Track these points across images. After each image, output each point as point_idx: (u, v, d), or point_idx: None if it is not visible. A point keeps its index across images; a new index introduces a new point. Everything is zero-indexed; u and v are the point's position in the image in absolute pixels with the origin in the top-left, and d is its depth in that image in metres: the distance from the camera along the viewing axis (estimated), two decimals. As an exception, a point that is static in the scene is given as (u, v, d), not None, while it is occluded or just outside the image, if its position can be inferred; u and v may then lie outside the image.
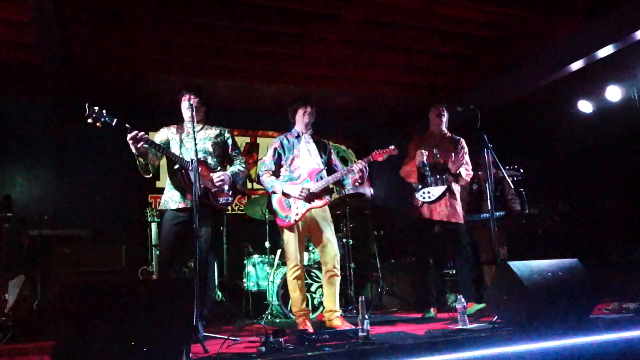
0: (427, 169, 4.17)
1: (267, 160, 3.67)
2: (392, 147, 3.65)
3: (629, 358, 2.65)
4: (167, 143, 3.50)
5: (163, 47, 4.99)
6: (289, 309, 4.38)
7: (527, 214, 4.80)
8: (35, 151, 5.81)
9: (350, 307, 4.83)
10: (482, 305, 3.88)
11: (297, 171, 3.59)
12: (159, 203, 3.63)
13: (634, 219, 4.96)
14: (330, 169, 3.70)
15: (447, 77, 6.06)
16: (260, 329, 3.68)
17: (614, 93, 5.23)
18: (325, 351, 2.30)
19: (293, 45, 5.09)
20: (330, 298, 3.45)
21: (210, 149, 3.51)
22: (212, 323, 4.20)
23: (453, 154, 4.18)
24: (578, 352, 2.56)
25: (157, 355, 2.09)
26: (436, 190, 4.16)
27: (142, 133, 3.07)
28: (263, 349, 2.41)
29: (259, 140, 6.91)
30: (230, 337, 2.93)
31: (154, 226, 4.89)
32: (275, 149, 3.66)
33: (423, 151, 4.13)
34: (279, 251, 4.89)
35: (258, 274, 5.04)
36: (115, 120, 3.01)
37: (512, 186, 4.01)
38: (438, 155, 4.19)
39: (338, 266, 3.48)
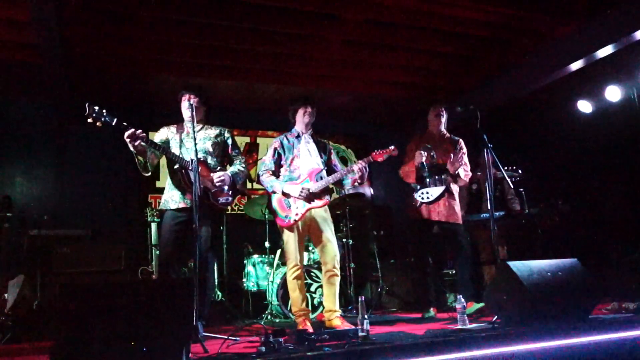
0: (426, 169, 4.18)
1: (267, 160, 3.67)
2: (392, 147, 3.65)
3: (628, 358, 2.65)
4: (167, 142, 3.50)
5: (163, 47, 4.99)
6: (288, 308, 4.39)
7: (527, 214, 4.80)
8: (35, 151, 5.81)
9: (350, 307, 4.83)
10: (481, 305, 3.88)
11: (297, 171, 3.59)
12: (159, 203, 3.63)
13: (634, 219, 4.96)
14: (330, 169, 3.70)
15: (447, 77, 6.07)
16: (260, 328, 3.68)
17: (613, 93, 5.23)
18: (325, 351, 2.30)
19: (293, 45, 5.09)
20: (330, 298, 3.45)
21: (210, 149, 3.51)
22: (211, 323, 4.20)
23: (452, 155, 4.19)
24: (578, 352, 2.56)
25: (157, 355, 2.09)
26: (435, 191, 4.16)
27: (140, 131, 3.07)
28: (263, 348, 2.41)
29: (258, 140, 6.91)
30: (230, 337, 2.93)
31: (153, 226, 4.89)
32: (275, 148, 3.66)
33: (422, 152, 4.14)
34: (278, 251, 4.90)
35: (258, 273, 5.04)
36: (115, 119, 3.01)
37: (512, 186, 4.01)
38: (435, 157, 4.19)
39: (338, 266, 3.48)
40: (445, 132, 4.44)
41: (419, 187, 4.23)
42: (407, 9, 4.58)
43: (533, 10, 4.62)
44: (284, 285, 4.50)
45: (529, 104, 6.04)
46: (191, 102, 3.37)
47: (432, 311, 4.15)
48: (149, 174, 3.37)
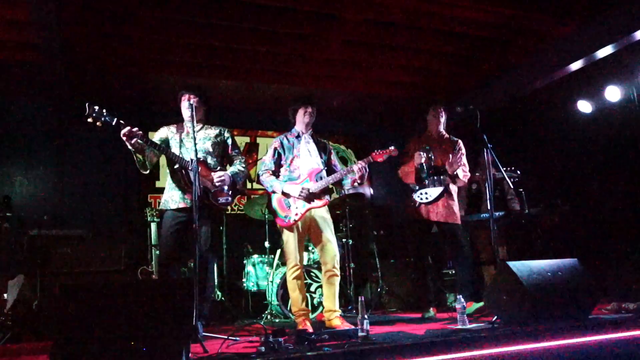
0: (425, 170, 4.18)
1: (267, 160, 3.67)
2: (392, 147, 3.65)
3: (628, 358, 2.65)
4: (167, 141, 3.50)
5: (163, 47, 4.99)
6: (288, 308, 4.39)
7: (527, 214, 4.81)
8: (35, 151, 5.81)
9: (349, 307, 4.83)
10: (480, 304, 3.88)
11: (296, 171, 3.59)
12: (159, 203, 3.63)
13: (634, 219, 4.96)
14: (329, 169, 3.70)
15: (447, 77, 6.07)
16: (260, 328, 3.68)
17: (613, 93, 5.23)
18: (325, 351, 2.30)
19: (293, 45, 5.09)
20: (329, 298, 3.45)
21: (210, 149, 3.51)
22: (211, 323, 4.20)
23: (450, 156, 4.19)
24: (577, 352, 2.56)
25: (157, 355, 2.09)
26: (433, 192, 4.17)
27: (136, 129, 3.06)
28: (262, 348, 2.41)
29: (258, 140, 6.90)
30: (229, 337, 2.93)
31: (153, 226, 4.89)
32: (275, 148, 3.66)
33: (421, 153, 4.14)
34: (278, 251, 4.90)
35: (258, 273, 5.04)
36: (115, 119, 3.02)
37: (512, 186, 4.01)
38: (433, 158, 4.20)
39: (338, 266, 3.48)
40: (444, 132, 4.44)
41: (417, 187, 4.24)
42: (407, 9, 4.58)
43: (533, 10, 4.62)
44: (283, 285, 4.50)
45: (529, 104, 6.04)
46: (191, 102, 3.37)
47: (432, 311, 4.15)
48: (148, 171, 3.37)
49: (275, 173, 3.65)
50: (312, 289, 4.65)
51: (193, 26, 4.68)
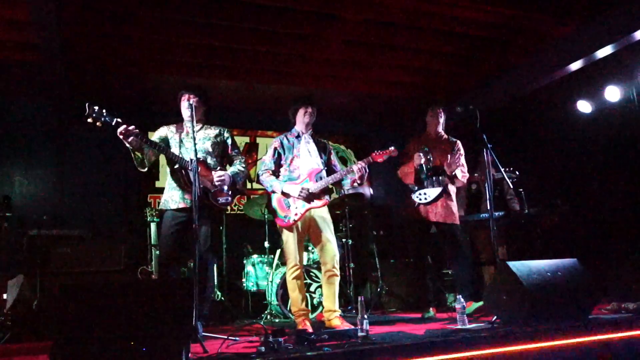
0: (425, 171, 4.19)
1: (267, 159, 3.67)
2: (392, 148, 3.65)
3: (628, 358, 2.65)
4: (166, 140, 3.49)
5: (163, 47, 4.99)
6: (288, 308, 4.39)
7: (526, 214, 4.81)
8: (35, 151, 5.81)
9: (349, 307, 4.83)
10: (480, 303, 3.88)
11: (296, 171, 3.59)
12: (159, 203, 3.63)
13: (634, 219, 4.96)
14: (329, 169, 3.70)
15: (447, 77, 6.07)
16: (260, 328, 3.67)
17: (613, 93, 5.23)
18: (325, 351, 2.30)
19: (293, 45, 5.09)
20: (329, 298, 3.45)
21: (210, 149, 3.51)
22: (211, 323, 4.20)
23: (449, 156, 4.20)
24: (577, 352, 2.56)
25: (157, 355, 2.09)
26: (432, 192, 4.17)
27: (132, 127, 3.04)
28: (262, 348, 2.41)
29: (258, 140, 6.90)
30: (229, 337, 2.93)
31: (153, 226, 4.89)
32: (275, 148, 3.66)
33: (420, 154, 4.15)
34: (278, 251, 4.90)
35: (257, 273, 5.04)
36: (115, 119, 3.01)
37: (512, 186, 4.02)
38: (432, 159, 4.20)
39: (337, 266, 3.48)
40: (443, 133, 4.45)
41: (416, 188, 4.24)
42: (407, 9, 4.58)
43: (533, 10, 4.62)
44: (283, 285, 4.50)
45: (528, 104, 6.04)
46: (191, 102, 3.37)
47: (431, 311, 4.16)
48: (146, 169, 3.35)
49: (275, 173, 3.65)
50: (312, 289, 4.65)
51: (193, 26, 4.67)
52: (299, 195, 3.44)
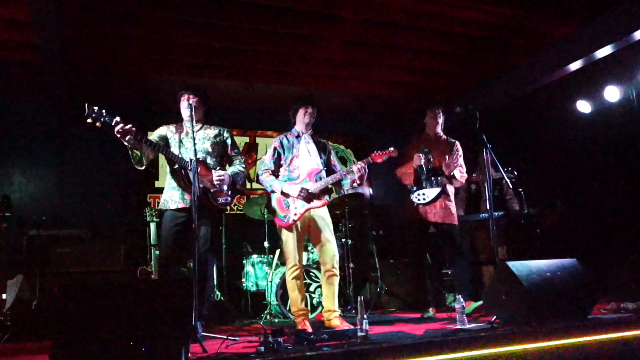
0: (425, 172, 4.19)
1: (266, 159, 3.67)
2: (392, 149, 3.66)
3: (627, 358, 2.65)
4: (166, 139, 3.49)
5: (163, 47, 4.99)
6: (287, 308, 4.39)
7: (526, 213, 4.81)
8: (35, 151, 5.81)
9: (349, 307, 4.83)
10: (479, 303, 3.89)
11: (296, 171, 3.59)
12: (158, 203, 3.63)
13: (633, 219, 4.96)
14: (329, 170, 3.70)
15: (446, 77, 6.07)
16: (259, 328, 3.67)
17: (612, 93, 5.23)
18: (324, 351, 2.30)
19: (293, 45, 5.09)
20: (329, 298, 3.45)
21: (210, 149, 3.51)
22: (211, 323, 4.20)
23: (447, 157, 4.21)
24: (576, 352, 2.56)
25: (156, 355, 2.09)
26: (431, 192, 4.18)
27: (129, 126, 3.02)
28: (262, 348, 2.41)
29: (258, 140, 6.91)
30: (229, 337, 2.93)
31: (152, 226, 4.90)
32: (275, 148, 3.66)
33: (420, 155, 4.15)
34: (277, 251, 4.90)
35: (257, 273, 5.04)
36: (115, 120, 3.01)
37: (511, 186, 4.02)
38: (432, 160, 4.21)
39: (337, 266, 3.49)
40: (441, 133, 4.45)
41: (415, 188, 4.25)
42: (407, 9, 4.58)
43: (533, 10, 4.63)
44: (283, 285, 4.50)
45: (528, 104, 6.04)
46: (190, 102, 3.37)
47: (431, 311, 4.16)
48: (143, 167, 3.33)
49: (275, 173, 3.65)
50: (312, 288, 4.65)
51: (193, 26, 4.68)
52: (299, 195, 3.45)
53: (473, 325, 3.09)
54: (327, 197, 3.57)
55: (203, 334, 2.99)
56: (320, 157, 3.68)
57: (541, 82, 5.49)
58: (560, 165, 5.85)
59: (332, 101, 6.43)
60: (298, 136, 3.69)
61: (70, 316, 2.13)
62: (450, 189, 4.29)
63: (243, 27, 4.75)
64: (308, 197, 3.46)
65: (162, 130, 3.54)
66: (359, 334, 2.72)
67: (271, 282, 4.73)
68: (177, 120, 3.61)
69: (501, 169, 3.79)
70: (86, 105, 2.93)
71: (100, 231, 5.49)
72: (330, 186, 3.60)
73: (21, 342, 3.70)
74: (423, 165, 4.16)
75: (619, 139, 5.25)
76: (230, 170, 3.55)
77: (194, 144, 3.12)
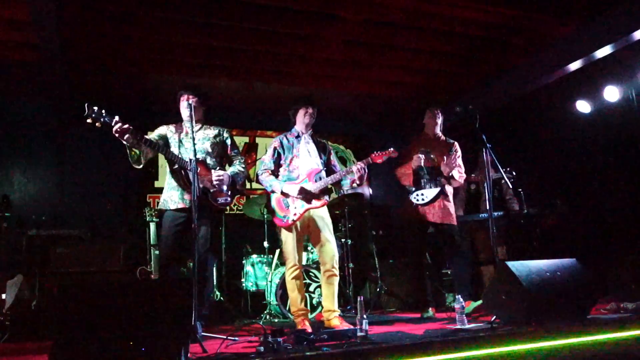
0: (425, 172, 4.19)
1: (266, 159, 3.67)
2: (392, 149, 3.66)
3: (626, 358, 2.65)
4: (165, 138, 3.49)
5: (163, 47, 4.99)
6: (287, 308, 4.39)
7: (526, 214, 4.81)
8: (35, 151, 5.81)
9: (349, 307, 4.83)
10: (478, 302, 3.89)
11: (295, 171, 3.59)
12: (158, 203, 3.62)
13: (633, 219, 4.97)
14: (329, 170, 3.70)
15: (446, 77, 6.07)
16: (259, 328, 3.67)
17: (612, 93, 5.23)
18: (324, 351, 2.30)
19: (293, 45, 5.09)
20: (329, 298, 3.45)
21: (209, 149, 3.51)
22: (210, 323, 4.20)
23: (445, 157, 4.21)
24: (576, 352, 2.56)
25: (156, 355, 2.09)
26: (430, 193, 4.18)
27: (127, 126, 3.01)
28: (262, 348, 2.41)
29: (257, 140, 6.91)
30: (228, 337, 2.93)
31: (152, 226, 4.89)
32: (275, 148, 3.66)
33: (420, 156, 4.15)
34: (277, 251, 4.90)
35: (257, 273, 5.04)
36: (114, 119, 3.01)
37: (511, 186, 4.02)
38: (435, 159, 4.22)
39: (337, 266, 3.49)
40: (440, 134, 4.46)
41: (413, 188, 4.25)
42: (407, 9, 4.58)
43: (533, 10, 4.63)
44: (282, 285, 4.50)
45: (528, 104, 6.04)
46: (190, 102, 3.37)
47: (430, 311, 4.16)
48: (141, 166, 3.32)
49: (275, 173, 3.65)
50: (311, 288, 4.65)
51: (193, 26, 4.68)
52: (298, 195, 3.45)
53: (473, 325, 3.09)
54: (326, 197, 3.57)
55: (203, 334, 2.99)
56: (320, 157, 3.68)
57: (541, 82, 5.49)
58: (560, 165, 5.85)
59: (332, 101, 6.43)
60: (298, 136, 3.69)
61: (70, 316, 2.13)
62: (449, 190, 4.29)
63: (243, 27, 4.75)
64: (307, 197, 3.46)
65: (162, 130, 3.54)
66: (359, 334, 2.72)
67: (271, 282, 4.73)
68: (177, 120, 3.61)
69: (501, 169, 3.80)
70: (86, 105, 2.93)
71: (100, 231, 5.49)
72: (330, 186, 3.60)
73: (21, 342, 3.69)
74: (423, 166, 4.16)
75: (618, 139, 5.25)
76: (229, 170, 3.55)
77: (194, 144, 3.12)
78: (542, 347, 2.52)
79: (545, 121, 6.03)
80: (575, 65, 5.04)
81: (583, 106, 5.56)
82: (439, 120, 4.43)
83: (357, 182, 3.55)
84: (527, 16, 4.73)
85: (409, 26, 4.95)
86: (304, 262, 4.65)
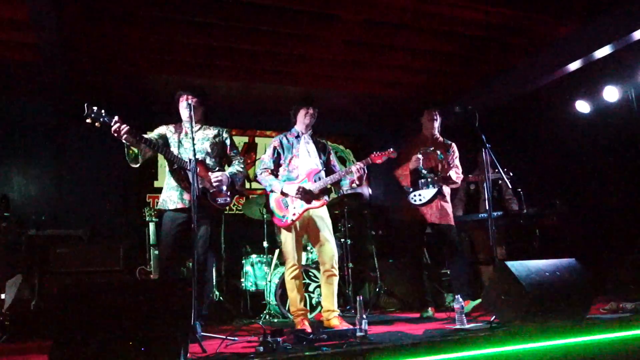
0: (424, 173, 4.20)
1: (266, 159, 3.67)
2: (391, 149, 3.66)
3: (626, 358, 2.65)
4: (165, 138, 3.49)
5: (163, 47, 4.99)
6: (287, 308, 4.38)
7: (525, 214, 4.81)
8: (34, 151, 5.81)
9: (348, 307, 4.83)
10: (477, 301, 3.89)
11: (295, 171, 3.59)
12: (157, 203, 3.62)
13: (632, 219, 4.97)
14: (328, 170, 3.71)
15: (446, 77, 6.07)
16: (259, 328, 3.68)
17: (611, 93, 5.24)
18: (323, 351, 2.30)
19: (293, 45, 5.09)
20: (328, 298, 3.46)
21: (209, 149, 3.51)
22: (210, 323, 4.20)
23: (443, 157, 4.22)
24: (575, 352, 2.56)
25: (155, 355, 2.09)
26: (427, 193, 4.19)
27: (125, 126, 3.01)
28: (261, 348, 2.41)
29: (257, 140, 6.90)
30: (228, 337, 2.93)
31: (152, 226, 4.90)
32: (275, 147, 3.66)
33: (419, 156, 4.16)
34: (277, 251, 4.90)
35: (256, 273, 5.04)
36: (114, 119, 3.01)
37: (510, 186, 4.02)
38: (438, 159, 4.22)
39: (336, 266, 3.49)
40: (438, 135, 4.46)
41: (411, 189, 4.26)
42: (407, 9, 4.58)
43: (533, 10, 4.63)
44: (282, 285, 4.50)
45: (528, 104, 6.05)
46: (189, 102, 3.37)
47: (430, 311, 4.16)
48: (138, 165, 3.31)
49: (274, 172, 3.65)
50: (311, 288, 4.65)
51: (193, 26, 4.67)
52: (298, 195, 3.45)
53: (472, 325, 3.09)
54: (326, 197, 3.58)
55: (202, 334, 2.99)
56: (320, 158, 3.68)
57: (541, 82, 5.49)
58: (559, 165, 5.86)
59: (332, 101, 6.42)
60: (298, 136, 3.70)
61: (69, 316, 2.13)
62: (447, 190, 4.31)
63: (243, 27, 4.74)
64: (307, 197, 3.46)
65: (162, 129, 3.54)
66: (358, 334, 2.73)
67: (270, 282, 4.73)
68: (176, 120, 3.61)
69: (500, 169, 3.80)
70: (85, 105, 2.94)
71: (100, 231, 5.48)
72: (329, 186, 3.60)
73: (20, 342, 3.69)
74: (422, 167, 4.17)
75: (618, 139, 5.26)
76: (228, 170, 3.55)
77: (193, 144, 3.13)
78: (542, 347, 2.52)
79: (544, 121, 6.03)
80: (574, 66, 5.04)
81: (583, 106, 5.56)
82: (437, 122, 4.43)
83: (357, 182, 3.55)
84: (527, 16, 4.73)
85: (409, 26, 4.95)
86: (303, 262, 4.64)
